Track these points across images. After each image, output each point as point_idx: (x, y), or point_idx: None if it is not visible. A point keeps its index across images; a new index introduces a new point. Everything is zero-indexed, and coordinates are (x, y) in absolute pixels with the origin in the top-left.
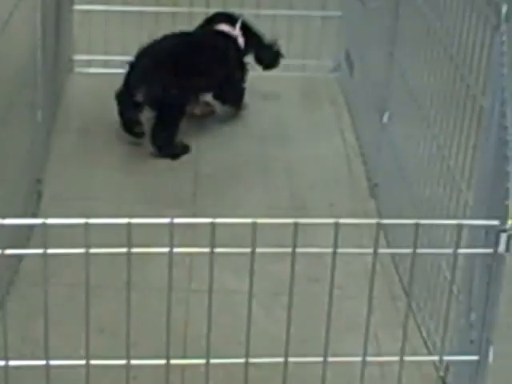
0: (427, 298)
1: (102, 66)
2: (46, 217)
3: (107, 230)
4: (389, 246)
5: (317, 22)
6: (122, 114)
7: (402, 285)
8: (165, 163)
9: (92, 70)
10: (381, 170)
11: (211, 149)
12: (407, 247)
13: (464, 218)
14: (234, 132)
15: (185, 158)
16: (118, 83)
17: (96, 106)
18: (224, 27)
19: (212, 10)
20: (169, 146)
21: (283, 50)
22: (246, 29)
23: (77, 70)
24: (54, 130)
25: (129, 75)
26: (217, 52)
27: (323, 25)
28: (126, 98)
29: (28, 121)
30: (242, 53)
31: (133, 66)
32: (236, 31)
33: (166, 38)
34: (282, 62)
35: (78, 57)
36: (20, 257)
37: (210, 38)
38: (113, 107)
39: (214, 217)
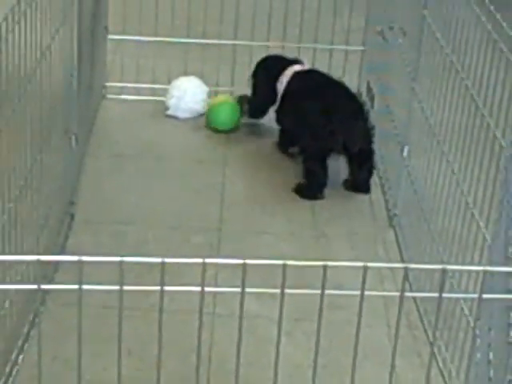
0: (443, 329)
1: (134, 93)
2: (78, 239)
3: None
4: (406, 274)
5: (340, 55)
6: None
7: (418, 314)
8: (192, 190)
9: (124, 97)
10: (400, 201)
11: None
12: (430, 289)
13: (482, 254)
14: None
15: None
16: (148, 109)
17: (127, 132)
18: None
19: (240, 42)
20: None
21: None
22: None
23: (109, 96)
24: (87, 154)
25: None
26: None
27: (346, 58)
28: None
29: (63, 146)
30: None
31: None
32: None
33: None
34: None
35: (110, 84)
36: (51, 279)
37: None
38: (142, 133)
39: (240, 244)
